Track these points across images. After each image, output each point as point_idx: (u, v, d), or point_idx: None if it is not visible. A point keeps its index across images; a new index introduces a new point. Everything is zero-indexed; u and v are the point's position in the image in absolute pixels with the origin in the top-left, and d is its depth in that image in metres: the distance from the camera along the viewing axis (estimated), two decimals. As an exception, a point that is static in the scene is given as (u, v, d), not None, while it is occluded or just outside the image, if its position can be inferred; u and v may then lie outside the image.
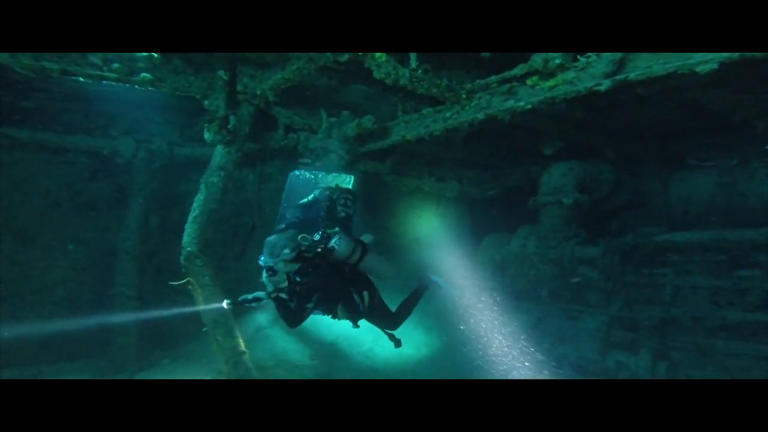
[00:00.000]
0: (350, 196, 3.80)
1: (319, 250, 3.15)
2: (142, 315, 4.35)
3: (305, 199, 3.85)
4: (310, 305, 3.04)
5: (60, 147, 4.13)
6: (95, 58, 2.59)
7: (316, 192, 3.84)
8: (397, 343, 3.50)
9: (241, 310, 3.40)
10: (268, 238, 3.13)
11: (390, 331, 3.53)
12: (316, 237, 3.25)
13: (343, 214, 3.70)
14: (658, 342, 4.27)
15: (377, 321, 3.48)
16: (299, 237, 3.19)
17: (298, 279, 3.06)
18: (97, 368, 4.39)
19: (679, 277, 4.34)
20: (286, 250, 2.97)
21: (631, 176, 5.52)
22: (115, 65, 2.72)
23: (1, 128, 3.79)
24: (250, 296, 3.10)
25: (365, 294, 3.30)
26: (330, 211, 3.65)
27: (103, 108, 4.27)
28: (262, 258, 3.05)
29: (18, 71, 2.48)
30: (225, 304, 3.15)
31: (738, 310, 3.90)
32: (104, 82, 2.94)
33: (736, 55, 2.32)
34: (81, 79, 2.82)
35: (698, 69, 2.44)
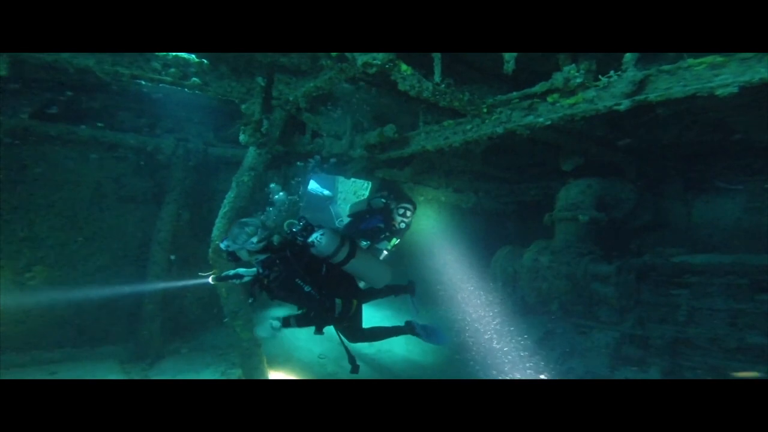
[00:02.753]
0: (410, 207, 3.69)
1: (298, 240, 2.87)
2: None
3: (352, 209, 3.76)
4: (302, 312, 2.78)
5: (113, 143, 4.49)
6: (156, 63, 2.88)
7: (349, 205, 3.76)
8: (355, 368, 3.13)
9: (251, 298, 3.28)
10: (241, 219, 2.87)
11: (351, 345, 3.16)
12: (296, 228, 2.97)
13: (402, 225, 3.63)
14: (669, 360, 4.19)
15: (340, 328, 3.18)
16: (285, 223, 3.00)
17: (260, 270, 2.82)
18: (125, 353, 4.69)
19: (696, 299, 4.26)
20: (254, 238, 2.74)
21: (654, 196, 5.45)
22: (172, 70, 3.01)
23: (70, 126, 4.16)
24: (231, 272, 3.10)
25: (338, 302, 2.88)
26: (387, 222, 3.54)
27: (152, 108, 4.62)
28: (225, 242, 2.81)
29: (99, 75, 2.80)
30: (210, 279, 3.24)
31: (758, 334, 3.80)
32: (161, 84, 3.23)
33: (756, 79, 2.36)
34: (143, 82, 3.14)
35: (718, 92, 2.48)
